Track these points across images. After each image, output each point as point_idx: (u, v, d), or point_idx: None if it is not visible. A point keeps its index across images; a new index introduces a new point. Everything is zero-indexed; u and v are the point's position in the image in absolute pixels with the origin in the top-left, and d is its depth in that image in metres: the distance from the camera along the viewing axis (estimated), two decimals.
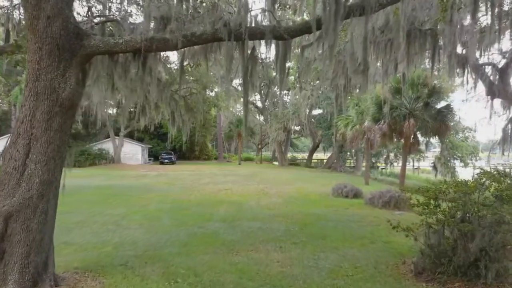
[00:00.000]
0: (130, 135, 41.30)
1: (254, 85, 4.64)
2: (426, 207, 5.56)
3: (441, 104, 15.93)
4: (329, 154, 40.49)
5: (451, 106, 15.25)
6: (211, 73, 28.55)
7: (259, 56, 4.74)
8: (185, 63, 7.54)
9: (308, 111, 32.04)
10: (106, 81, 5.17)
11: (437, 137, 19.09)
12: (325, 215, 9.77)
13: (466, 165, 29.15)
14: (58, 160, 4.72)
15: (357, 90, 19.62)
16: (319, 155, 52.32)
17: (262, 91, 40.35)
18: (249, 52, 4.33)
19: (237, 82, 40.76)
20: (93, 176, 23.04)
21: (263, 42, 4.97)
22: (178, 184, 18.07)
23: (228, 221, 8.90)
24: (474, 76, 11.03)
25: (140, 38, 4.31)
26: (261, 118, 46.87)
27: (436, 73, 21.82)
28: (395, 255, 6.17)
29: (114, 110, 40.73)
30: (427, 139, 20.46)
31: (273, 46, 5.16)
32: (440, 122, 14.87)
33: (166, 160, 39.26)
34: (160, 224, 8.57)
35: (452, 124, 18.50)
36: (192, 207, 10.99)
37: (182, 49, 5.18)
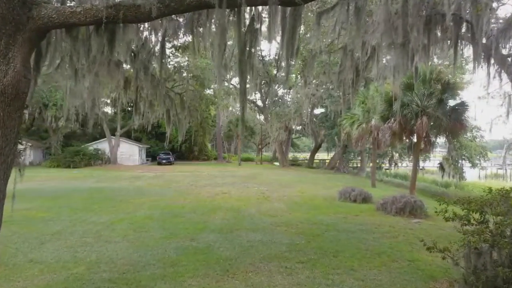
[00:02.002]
0: (128, 135, 40.27)
1: (254, 68, 3.62)
2: (467, 222, 4.51)
3: (456, 101, 14.87)
4: (332, 155, 39.50)
5: (466, 103, 14.17)
6: (211, 70, 27.48)
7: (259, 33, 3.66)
8: (169, 45, 6.45)
9: (310, 109, 31.01)
10: (71, 65, 4.11)
11: (448, 137, 18.07)
12: (334, 224, 8.71)
13: (474, 165, 28.08)
14: (1, 165, 3.66)
15: (362, 88, 18.58)
16: (320, 155, 51.32)
17: (263, 90, 39.27)
18: (247, 23, 3.32)
19: (236, 80, 39.73)
20: (86, 178, 22.03)
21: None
22: (174, 187, 17.02)
23: (225, 231, 7.83)
24: (498, 69, 9.96)
25: (103, 4, 3.25)
26: (262, 117, 45.81)
27: (443, 68, 20.78)
28: (425, 279, 5.10)
29: (110, 109, 39.77)
30: (433, 139, 19.43)
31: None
32: (454, 121, 13.79)
33: (164, 161, 38.23)
34: (147, 235, 7.51)
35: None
36: (186, 214, 9.94)
37: (162, 24, 4.13)
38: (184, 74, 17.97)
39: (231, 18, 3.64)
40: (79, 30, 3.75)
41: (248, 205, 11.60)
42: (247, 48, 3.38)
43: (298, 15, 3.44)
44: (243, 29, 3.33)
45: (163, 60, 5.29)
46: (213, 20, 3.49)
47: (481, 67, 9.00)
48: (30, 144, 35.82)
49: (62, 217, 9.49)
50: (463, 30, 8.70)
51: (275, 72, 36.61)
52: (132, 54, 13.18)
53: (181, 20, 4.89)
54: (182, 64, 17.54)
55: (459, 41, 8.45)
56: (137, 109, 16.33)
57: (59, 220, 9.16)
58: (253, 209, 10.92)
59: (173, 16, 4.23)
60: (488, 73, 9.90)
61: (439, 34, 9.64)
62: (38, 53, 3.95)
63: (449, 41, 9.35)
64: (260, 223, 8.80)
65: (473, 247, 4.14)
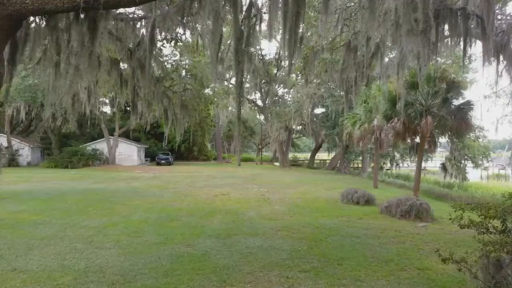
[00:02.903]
0: (126, 135, 39.92)
1: (251, 59, 3.24)
2: (485, 231, 4.13)
3: (459, 101, 14.49)
4: (332, 155, 39.11)
5: (472, 102, 13.78)
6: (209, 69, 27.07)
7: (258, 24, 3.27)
8: (159, 38, 6.05)
9: (310, 109, 30.62)
10: (50, 58, 3.72)
11: (451, 137, 17.73)
12: (337, 228, 8.33)
13: (477, 166, 27.70)
14: None
15: (364, 87, 18.19)
16: (320, 156, 50.92)
17: (263, 90, 38.89)
18: (244, 9, 2.94)
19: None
20: (83, 179, 21.66)
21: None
22: (171, 188, 16.65)
23: (223, 236, 7.45)
24: (506, 66, 9.56)
25: None
26: (262, 117, 45.43)
27: (444, 66, 20.31)
28: None
29: (108, 108, 39.38)
30: (437, 139, 19.03)
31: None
32: (459, 120, 13.40)
33: (163, 161, 37.91)
34: (140, 241, 7.13)
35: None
36: (182, 217, 9.56)
37: (151, 14, 3.75)
38: (183, 73, 17.52)
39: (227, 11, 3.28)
40: (58, 19, 3.36)
41: (248, 208, 11.22)
42: (245, 37, 3.01)
43: (302, 1, 3.05)
44: (240, 16, 2.96)
45: (153, 53, 4.88)
46: (206, 7, 3.13)
47: (491, 64, 8.63)
48: (31, 146, 35.50)
49: (53, 221, 9.12)
50: (472, 26, 8.35)
51: (275, 71, 36.26)
52: (129, 52, 12.62)
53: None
54: (180, 63, 17.16)
55: (469, 36, 8.08)
56: (135, 108, 15.93)
57: (50, 223, 8.78)
58: (252, 212, 10.54)
59: (163, 5, 3.85)
60: (497, 71, 9.55)
61: (446, 29, 9.30)
62: (13, 45, 3.56)
63: (456, 38, 8.99)
64: (260, 227, 8.42)
65: (494, 259, 3.76)
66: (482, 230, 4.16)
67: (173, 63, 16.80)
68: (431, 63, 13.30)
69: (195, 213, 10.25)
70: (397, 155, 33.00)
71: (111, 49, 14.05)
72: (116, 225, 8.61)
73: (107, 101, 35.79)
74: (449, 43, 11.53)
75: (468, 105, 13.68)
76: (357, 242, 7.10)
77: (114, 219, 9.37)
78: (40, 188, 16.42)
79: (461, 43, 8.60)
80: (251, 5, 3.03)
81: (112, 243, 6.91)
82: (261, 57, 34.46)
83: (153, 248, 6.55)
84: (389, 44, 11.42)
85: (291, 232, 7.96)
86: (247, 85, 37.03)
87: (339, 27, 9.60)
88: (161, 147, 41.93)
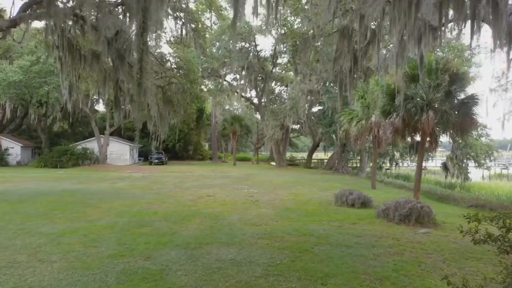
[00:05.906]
0: (119, 134, 38.90)
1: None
2: (508, 249, 3.11)
3: (463, 95, 13.43)
4: (329, 154, 38.14)
5: (476, 96, 12.72)
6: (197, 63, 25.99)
7: None
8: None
9: (307, 107, 29.59)
10: None
11: (453, 134, 16.72)
12: (327, 236, 7.30)
13: (480, 165, 26.66)
14: None
15: (363, 80, 17.15)
16: (319, 155, 49.92)
17: (258, 88, 37.82)
18: None
19: (230, 77, 38.31)
20: (68, 179, 20.64)
21: None
22: (156, 189, 15.62)
23: (192, 246, 6.42)
24: None
25: None
26: (259, 115, 44.39)
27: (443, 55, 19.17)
28: None
29: (101, 106, 38.41)
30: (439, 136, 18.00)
31: None
32: (463, 116, 12.36)
33: (156, 161, 36.89)
34: (94, 251, 6.10)
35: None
36: (155, 223, 8.52)
37: None
38: (169, 65, 16.46)
39: None
40: None
41: (231, 211, 10.19)
42: None
43: None
44: None
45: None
46: None
47: (502, 49, 7.59)
48: (22, 145, 34.50)
49: (10, 226, 8.10)
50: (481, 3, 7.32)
51: (271, 68, 35.22)
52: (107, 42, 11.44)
53: None
54: (165, 54, 16.18)
55: (477, 18, 7.05)
56: (118, 104, 14.81)
57: (4, 229, 7.77)
58: (235, 215, 9.51)
59: None
60: (508, 58, 8.52)
61: (450, 13, 8.30)
62: None
63: (461, 22, 7.96)
64: (239, 234, 7.39)
65: None
66: (505, 248, 3.14)
67: (157, 55, 15.80)
68: (438, 51, 12.25)
69: (171, 217, 9.22)
70: (397, 154, 32.01)
71: (89, 40, 12.98)
72: (76, 231, 7.57)
73: (99, 98, 34.81)
74: (453, 30, 10.48)
75: (472, 99, 12.61)
76: (348, 253, 6.08)
77: (78, 224, 8.34)
78: (16, 189, 15.41)
79: (468, 25, 7.62)
80: None
81: (60, 255, 5.88)
82: (256, 53, 33.46)
83: (105, 262, 5.52)
84: (386, 34, 10.42)
85: (273, 240, 6.93)
86: (242, 81, 35.98)
87: (332, 10, 8.57)
88: (156, 146, 40.88)
